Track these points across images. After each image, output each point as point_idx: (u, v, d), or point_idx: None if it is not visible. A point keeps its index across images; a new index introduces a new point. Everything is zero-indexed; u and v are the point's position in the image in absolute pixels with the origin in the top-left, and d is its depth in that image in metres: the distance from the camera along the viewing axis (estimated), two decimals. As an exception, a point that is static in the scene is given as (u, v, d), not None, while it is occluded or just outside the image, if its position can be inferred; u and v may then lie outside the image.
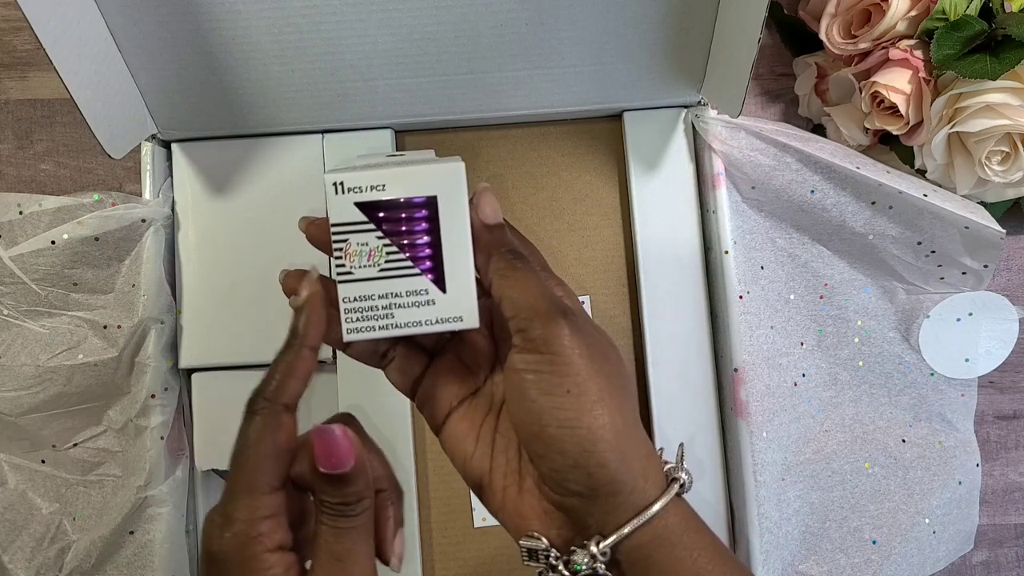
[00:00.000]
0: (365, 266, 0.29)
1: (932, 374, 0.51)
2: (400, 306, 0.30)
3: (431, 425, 0.33)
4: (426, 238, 0.29)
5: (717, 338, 0.48)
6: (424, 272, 0.30)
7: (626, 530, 0.28)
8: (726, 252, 0.46)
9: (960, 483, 0.51)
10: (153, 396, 0.45)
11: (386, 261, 0.29)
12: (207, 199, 0.47)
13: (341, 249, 0.29)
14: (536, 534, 0.29)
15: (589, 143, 0.49)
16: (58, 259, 0.44)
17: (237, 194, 0.47)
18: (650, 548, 0.28)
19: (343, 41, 0.42)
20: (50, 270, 0.44)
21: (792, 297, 0.50)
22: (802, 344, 0.50)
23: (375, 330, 0.30)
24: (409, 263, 0.30)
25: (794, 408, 0.49)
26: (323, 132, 0.48)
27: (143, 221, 0.45)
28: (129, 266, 0.46)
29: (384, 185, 0.29)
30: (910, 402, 0.51)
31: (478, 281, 0.30)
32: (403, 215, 0.29)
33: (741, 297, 0.47)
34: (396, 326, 0.30)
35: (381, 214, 0.29)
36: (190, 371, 0.48)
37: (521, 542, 0.30)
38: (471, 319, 0.30)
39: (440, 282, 0.30)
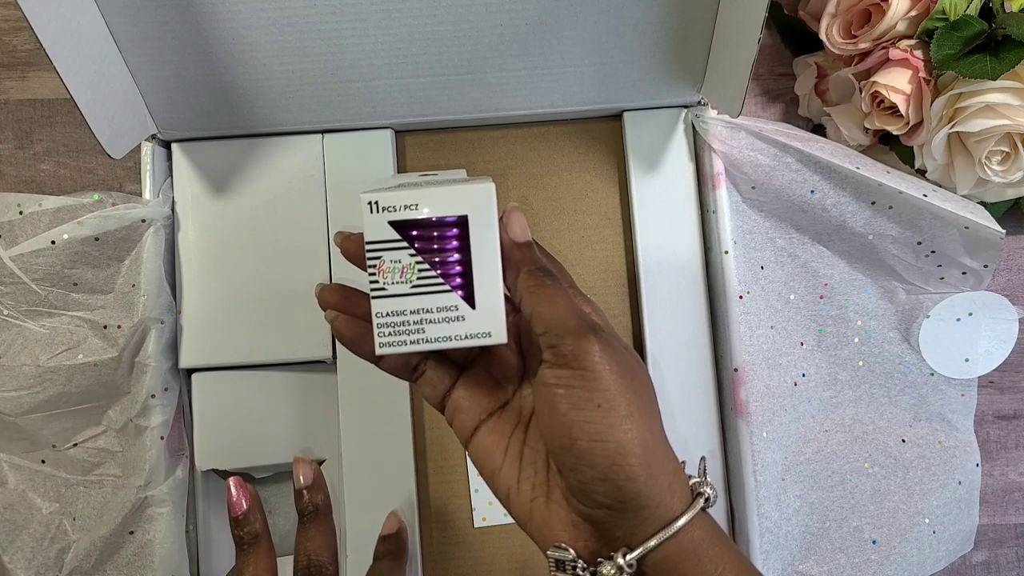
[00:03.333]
0: (398, 282, 0.30)
1: (932, 374, 0.51)
2: (431, 321, 0.31)
3: (460, 438, 0.34)
4: (457, 256, 0.30)
5: (717, 338, 0.48)
6: (454, 289, 0.30)
7: (652, 543, 0.28)
8: (726, 252, 0.46)
9: (960, 483, 0.51)
10: (153, 396, 0.45)
11: (418, 278, 0.30)
12: (207, 199, 0.47)
13: (375, 266, 0.30)
14: (564, 545, 0.30)
15: (589, 143, 0.49)
16: (58, 259, 0.44)
17: (237, 194, 0.47)
18: (676, 561, 0.29)
19: (343, 41, 0.42)
20: (50, 270, 0.44)
21: (792, 297, 0.50)
22: (802, 344, 0.50)
23: (406, 344, 0.31)
24: (440, 280, 0.30)
25: (794, 408, 0.49)
26: (323, 132, 0.48)
27: (143, 221, 0.45)
28: (129, 266, 0.46)
29: (417, 205, 0.30)
30: (910, 402, 0.51)
31: (506, 297, 0.31)
32: (435, 234, 0.30)
33: (741, 297, 0.47)
34: (427, 341, 0.31)
35: (414, 232, 0.30)
36: (190, 371, 0.48)
37: (549, 552, 0.30)
38: (499, 335, 0.31)
39: (470, 299, 0.31)
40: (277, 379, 0.48)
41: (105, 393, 0.46)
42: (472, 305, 0.30)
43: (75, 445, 0.47)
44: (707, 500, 0.30)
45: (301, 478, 0.40)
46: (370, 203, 0.30)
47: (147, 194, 0.46)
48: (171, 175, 0.48)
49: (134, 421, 0.46)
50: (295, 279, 0.47)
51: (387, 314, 0.30)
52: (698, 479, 0.31)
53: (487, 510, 0.47)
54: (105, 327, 0.45)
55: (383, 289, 0.30)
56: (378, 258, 0.30)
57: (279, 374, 0.48)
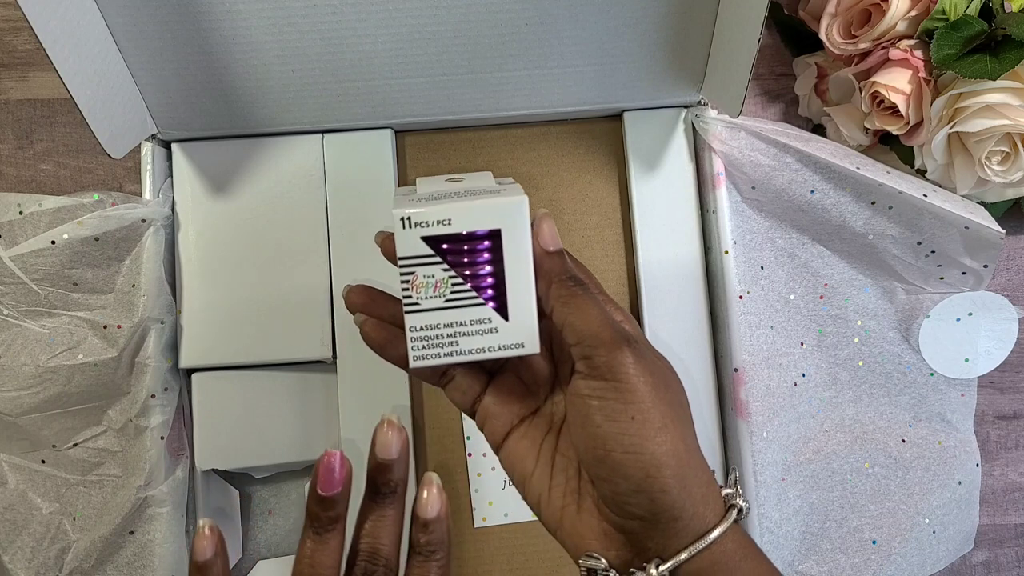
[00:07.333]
0: (431, 297, 0.31)
1: (932, 374, 0.51)
2: (464, 334, 0.31)
3: (491, 443, 0.34)
4: (489, 268, 0.31)
5: (717, 338, 0.48)
6: (487, 301, 0.31)
7: (684, 555, 0.28)
8: (726, 252, 0.46)
9: (960, 483, 0.51)
10: (153, 396, 0.45)
11: (451, 292, 0.31)
12: (207, 199, 0.47)
13: (408, 281, 0.30)
14: (596, 554, 0.30)
15: (589, 143, 0.49)
16: (58, 259, 0.44)
17: (237, 194, 0.47)
18: (708, 573, 0.29)
19: (343, 41, 0.42)
20: (50, 270, 0.44)
21: (792, 297, 0.50)
22: (802, 344, 0.50)
23: (440, 357, 0.31)
24: (473, 293, 0.31)
25: (794, 408, 0.49)
26: (323, 132, 0.48)
27: (143, 221, 0.45)
28: (129, 266, 0.46)
29: (450, 220, 0.30)
30: (910, 402, 0.51)
31: (537, 303, 0.31)
32: (467, 247, 0.30)
33: (741, 297, 0.47)
34: (460, 353, 0.31)
35: (446, 247, 0.30)
36: (190, 371, 0.48)
37: (580, 561, 0.30)
38: (532, 346, 0.31)
39: (503, 310, 0.31)
40: (277, 379, 0.48)
41: (105, 393, 0.46)
42: (505, 317, 0.31)
43: (75, 445, 0.47)
44: (740, 512, 0.30)
45: (392, 448, 0.30)
46: (403, 219, 0.30)
47: (147, 194, 0.46)
48: (171, 175, 0.48)
49: (134, 421, 0.46)
50: (295, 279, 0.47)
51: (421, 328, 0.31)
52: (731, 490, 0.31)
53: (487, 510, 0.47)
54: (105, 327, 0.45)
55: (416, 304, 0.31)
56: (411, 273, 0.30)
57: (279, 374, 0.48)
